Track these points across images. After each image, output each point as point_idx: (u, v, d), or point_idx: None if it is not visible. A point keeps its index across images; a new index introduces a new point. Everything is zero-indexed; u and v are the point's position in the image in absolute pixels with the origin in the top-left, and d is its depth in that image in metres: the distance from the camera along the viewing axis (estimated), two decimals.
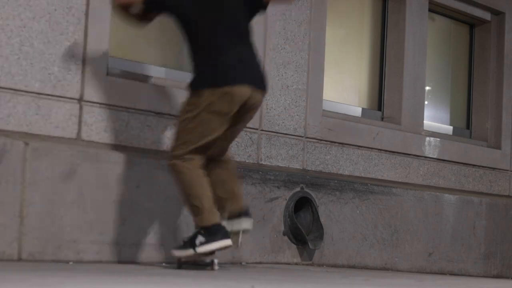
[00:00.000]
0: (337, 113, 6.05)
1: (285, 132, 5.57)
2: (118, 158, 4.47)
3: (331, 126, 5.84)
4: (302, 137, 5.66)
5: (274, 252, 5.18)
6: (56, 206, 4.18)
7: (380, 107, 6.59)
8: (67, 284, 2.83)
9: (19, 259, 4.03)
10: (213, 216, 3.98)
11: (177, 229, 4.65)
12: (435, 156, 6.69)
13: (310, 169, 5.68)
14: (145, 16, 4.22)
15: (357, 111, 6.34)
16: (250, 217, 4.17)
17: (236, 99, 3.97)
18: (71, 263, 4.11)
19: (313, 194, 5.43)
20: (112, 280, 3.11)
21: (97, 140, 4.60)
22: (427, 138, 6.67)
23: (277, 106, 5.53)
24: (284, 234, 5.23)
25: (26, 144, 4.11)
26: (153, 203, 4.56)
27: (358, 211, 5.74)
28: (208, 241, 3.93)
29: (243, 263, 4.95)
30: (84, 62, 4.56)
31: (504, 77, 7.36)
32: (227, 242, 3.96)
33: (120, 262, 4.38)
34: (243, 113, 4.08)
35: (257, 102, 4.12)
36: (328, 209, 5.53)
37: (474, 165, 7.04)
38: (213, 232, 3.94)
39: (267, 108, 5.47)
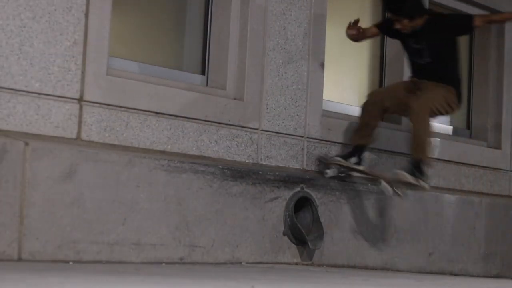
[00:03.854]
0: (337, 113, 6.05)
1: (285, 132, 5.56)
2: (118, 158, 4.47)
3: (331, 126, 5.84)
4: (302, 137, 5.66)
5: (274, 252, 5.18)
6: (56, 206, 4.18)
7: None
8: (67, 284, 2.83)
9: (19, 259, 4.02)
10: None
11: (177, 229, 4.64)
12: (435, 156, 6.68)
13: (310, 169, 5.68)
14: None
15: (357, 111, 6.32)
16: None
17: None
18: (71, 263, 4.11)
19: (313, 194, 5.43)
20: (112, 280, 3.11)
21: (97, 140, 4.60)
22: None
23: (277, 106, 5.53)
24: (284, 234, 5.23)
25: (26, 144, 4.11)
26: (153, 203, 4.56)
27: (358, 211, 5.74)
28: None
29: (243, 263, 4.95)
30: (84, 62, 4.55)
31: (504, 77, 7.35)
32: None
33: (120, 262, 4.38)
34: None
35: None
36: (328, 209, 5.53)
37: (474, 165, 7.04)
38: None
39: (267, 108, 5.47)
